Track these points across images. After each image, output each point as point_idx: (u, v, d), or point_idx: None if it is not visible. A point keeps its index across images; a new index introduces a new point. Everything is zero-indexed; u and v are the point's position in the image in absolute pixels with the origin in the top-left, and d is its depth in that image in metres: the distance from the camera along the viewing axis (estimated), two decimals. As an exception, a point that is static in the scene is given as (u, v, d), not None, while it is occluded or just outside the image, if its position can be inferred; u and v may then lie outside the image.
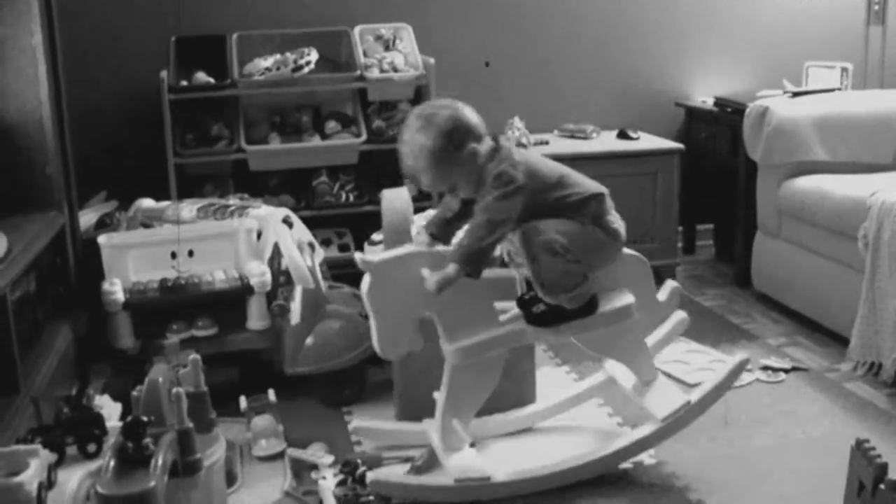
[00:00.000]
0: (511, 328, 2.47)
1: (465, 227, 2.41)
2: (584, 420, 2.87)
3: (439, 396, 2.50)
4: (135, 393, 2.22)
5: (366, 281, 2.34)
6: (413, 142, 2.39)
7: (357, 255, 2.36)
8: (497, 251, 2.59)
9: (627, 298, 2.51)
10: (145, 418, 1.99)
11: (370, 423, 2.78)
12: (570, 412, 2.88)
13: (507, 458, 2.65)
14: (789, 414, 2.88)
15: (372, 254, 2.40)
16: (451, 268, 2.31)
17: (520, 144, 3.90)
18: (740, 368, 2.67)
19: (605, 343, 2.61)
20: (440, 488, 2.46)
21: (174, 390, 2.05)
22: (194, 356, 2.37)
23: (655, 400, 2.63)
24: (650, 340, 2.75)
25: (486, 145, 2.39)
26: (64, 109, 3.01)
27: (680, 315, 2.78)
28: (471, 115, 2.42)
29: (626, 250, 2.58)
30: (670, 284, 2.70)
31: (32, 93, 2.87)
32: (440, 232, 2.51)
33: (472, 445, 2.46)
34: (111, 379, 3.09)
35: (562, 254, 2.38)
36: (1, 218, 2.77)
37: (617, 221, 2.48)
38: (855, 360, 3.18)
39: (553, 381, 3.13)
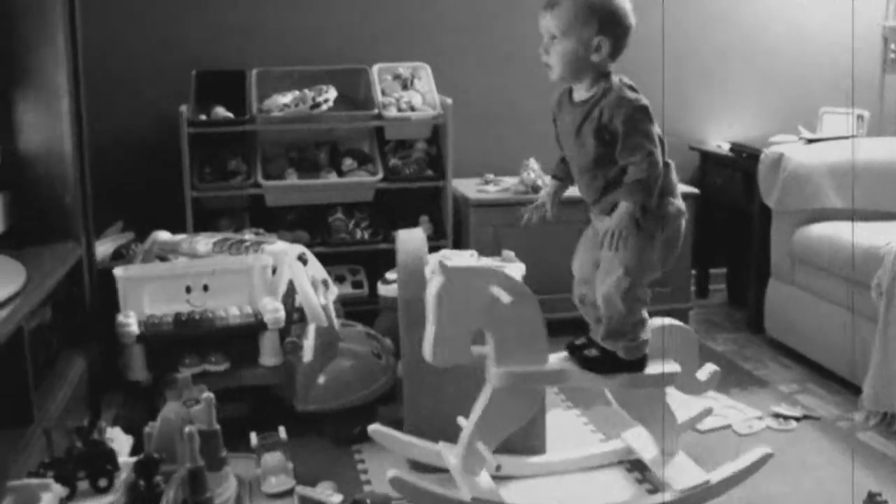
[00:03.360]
0: (559, 366, 2.52)
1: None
2: (604, 473, 2.85)
3: (469, 418, 2.52)
4: (147, 429, 2.23)
5: (436, 283, 2.36)
6: (565, 1, 2.38)
7: (436, 258, 2.39)
8: (575, 297, 2.65)
9: (673, 367, 2.57)
10: (157, 456, 2.00)
11: (387, 430, 2.79)
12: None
13: (523, 494, 2.68)
14: (800, 463, 2.87)
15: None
16: (630, 206, 2.35)
17: (535, 187, 3.91)
18: (763, 461, 2.69)
19: (639, 405, 2.67)
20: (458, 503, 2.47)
21: (187, 429, 2.06)
22: (208, 395, 2.38)
23: (674, 473, 2.66)
24: (679, 419, 2.79)
25: (608, 56, 2.40)
26: (85, 142, 3.03)
27: (712, 367, 2.80)
28: (629, 15, 2.41)
29: (675, 322, 2.66)
30: (710, 367, 2.76)
31: (55, 126, 2.90)
32: (561, 171, 2.58)
33: (499, 469, 2.46)
34: (122, 409, 3.11)
35: (641, 300, 2.46)
36: (20, 248, 2.79)
37: (679, 198, 2.51)
38: (867, 410, 3.16)
39: (564, 426, 3.13)
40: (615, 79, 2.43)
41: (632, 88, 2.41)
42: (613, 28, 2.38)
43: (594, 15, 2.36)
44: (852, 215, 3.63)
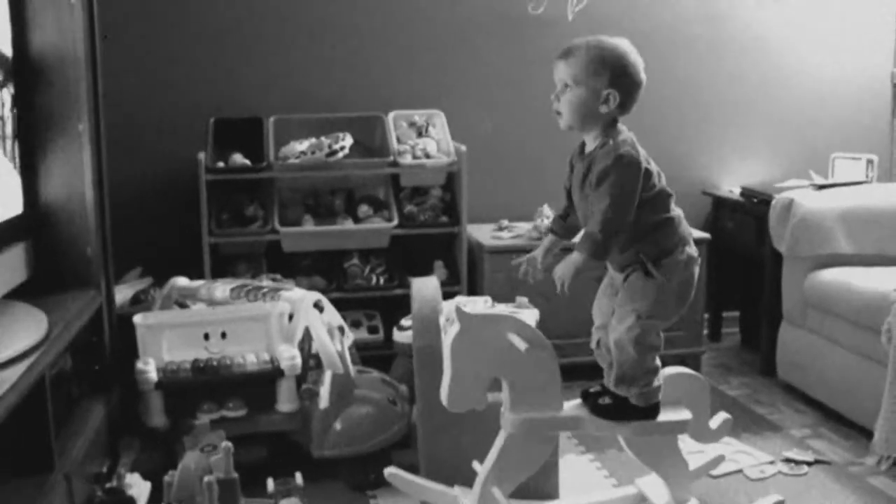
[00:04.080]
0: (573, 413, 2.56)
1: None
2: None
3: (484, 463, 2.55)
4: (167, 478, 2.27)
5: (454, 330, 2.41)
6: (579, 51, 2.47)
7: (451, 305, 2.43)
8: (592, 342, 2.68)
9: (685, 415, 2.61)
10: (177, 505, 2.04)
11: (403, 474, 2.83)
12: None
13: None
14: (812, 509, 2.89)
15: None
16: (578, 257, 2.41)
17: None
18: None
19: (652, 452, 2.69)
20: None
21: (206, 479, 2.10)
22: (226, 444, 2.42)
23: None
24: (691, 465, 2.81)
25: (617, 109, 2.47)
26: (105, 193, 3.08)
27: (724, 415, 2.83)
28: (640, 72, 2.49)
29: (686, 370, 2.71)
30: (722, 416, 2.80)
31: (77, 177, 2.95)
32: (558, 227, 2.67)
33: None
34: (140, 455, 3.13)
35: (653, 347, 2.49)
36: (41, 297, 2.83)
37: (691, 246, 2.57)
38: (879, 455, 3.17)
39: (577, 471, 3.15)
40: (621, 129, 2.49)
41: (629, 145, 2.45)
42: (624, 82, 2.45)
43: (606, 67, 2.43)
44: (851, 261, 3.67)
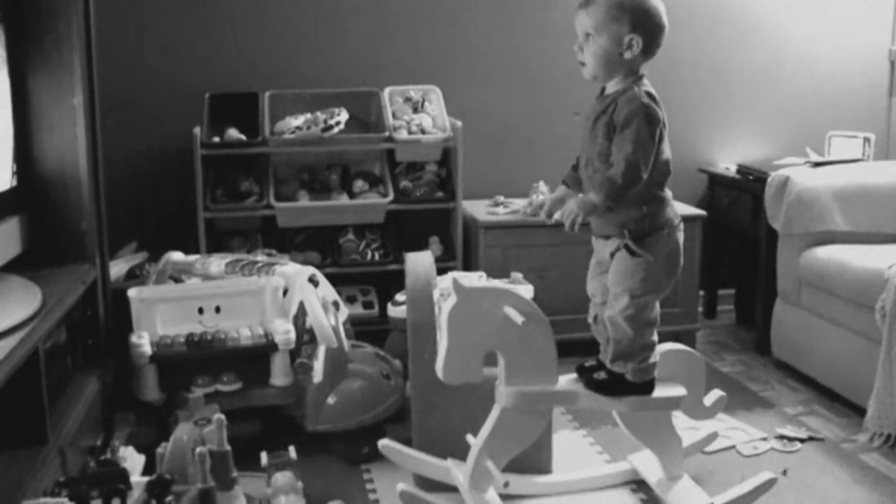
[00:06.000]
0: (568, 388, 2.56)
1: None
2: (609, 494, 2.88)
3: (479, 436, 2.56)
4: (160, 450, 2.27)
5: (450, 302, 2.41)
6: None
7: (451, 278, 2.44)
8: (589, 317, 2.69)
9: (680, 391, 2.60)
10: (169, 476, 2.04)
11: (397, 445, 2.83)
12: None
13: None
14: (804, 485, 2.89)
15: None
16: (595, 198, 2.40)
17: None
18: (767, 487, 2.73)
19: (645, 428, 2.70)
20: None
21: (198, 450, 2.10)
22: (219, 416, 2.42)
23: (679, 497, 2.69)
24: (684, 442, 2.82)
25: (641, 55, 2.45)
26: (100, 166, 3.08)
27: (718, 393, 2.83)
28: (662, 16, 2.46)
29: (683, 347, 2.71)
30: (717, 393, 2.80)
31: (71, 151, 2.94)
32: (570, 179, 2.63)
33: (507, 486, 2.50)
34: (135, 429, 3.14)
35: (650, 322, 2.50)
36: (36, 270, 2.84)
37: (675, 224, 2.54)
38: (871, 432, 3.18)
39: (571, 446, 3.16)
40: (644, 82, 2.47)
41: (651, 96, 2.44)
42: (645, 26, 2.43)
43: (626, 12, 2.41)
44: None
